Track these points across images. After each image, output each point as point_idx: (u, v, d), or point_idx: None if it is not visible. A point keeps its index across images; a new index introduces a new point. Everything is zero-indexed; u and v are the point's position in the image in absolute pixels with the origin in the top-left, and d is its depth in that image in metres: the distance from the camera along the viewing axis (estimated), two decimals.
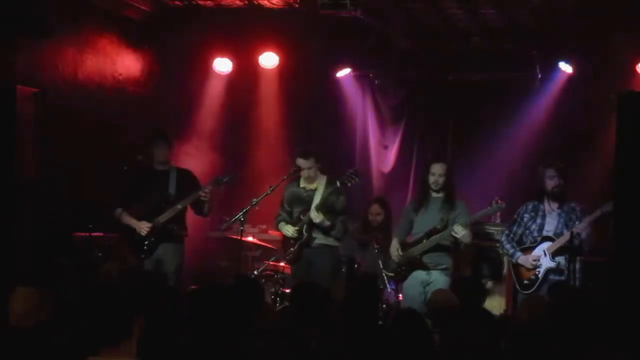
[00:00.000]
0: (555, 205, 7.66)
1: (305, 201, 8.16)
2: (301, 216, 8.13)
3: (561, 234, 7.49)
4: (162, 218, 8.05)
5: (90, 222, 8.31)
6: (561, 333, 4.71)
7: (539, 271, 7.52)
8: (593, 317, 4.90)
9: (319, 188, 8.10)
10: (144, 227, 8.02)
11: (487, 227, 8.63)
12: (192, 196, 8.08)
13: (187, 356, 4.51)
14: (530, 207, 7.80)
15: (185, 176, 8.31)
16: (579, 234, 7.33)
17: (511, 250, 7.73)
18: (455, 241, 7.76)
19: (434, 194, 7.91)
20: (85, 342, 3.10)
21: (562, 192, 7.64)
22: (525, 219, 7.76)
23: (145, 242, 8.04)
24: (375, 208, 9.25)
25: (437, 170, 7.87)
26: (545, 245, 7.56)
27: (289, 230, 8.14)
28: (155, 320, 4.55)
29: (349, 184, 7.95)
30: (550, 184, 7.64)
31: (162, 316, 4.80)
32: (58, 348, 4.30)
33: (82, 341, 3.14)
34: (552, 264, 7.46)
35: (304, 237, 8.08)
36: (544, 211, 7.70)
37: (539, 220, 7.69)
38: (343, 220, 8.21)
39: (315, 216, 7.97)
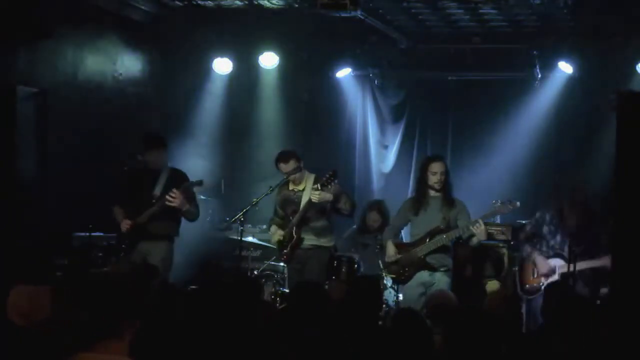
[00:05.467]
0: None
1: (295, 202, 8.14)
2: (290, 217, 8.11)
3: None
4: (142, 218, 8.03)
5: (90, 222, 8.31)
6: (558, 332, 4.71)
7: (542, 284, 7.49)
8: (588, 316, 4.89)
9: (307, 187, 8.07)
10: (124, 225, 8.03)
11: (487, 227, 8.58)
12: (163, 200, 8.01)
13: (186, 356, 4.51)
14: (547, 218, 7.69)
15: (176, 178, 8.18)
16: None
17: (529, 249, 7.69)
18: (461, 237, 7.70)
19: (433, 193, 7.76)
20: (77, 339, 3.11)
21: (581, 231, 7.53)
22: (544, 231, 7.67)
23: (125, 240, 8.04)
24: (374, 215, 9.30)
25: (438, 169, 7.71)
26: (559, 262, 7.52)
27: (275, 236, 8.17)
28: (153, 319, 4.56)
29: (329, 186, 7.87)
30: (572, 226, 7.54)
31: (160, 315, 4.80)
32: (50, 344, 4.30)
33: (74, 337, 3.15)
34: None
35: (294, 239, 8.06)
36: (563, 227, 7.62)
37: (559, 238, 7.63)
38: (347, 194, 8.16)
39: (315, 195, 7.87)
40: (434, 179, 7.71)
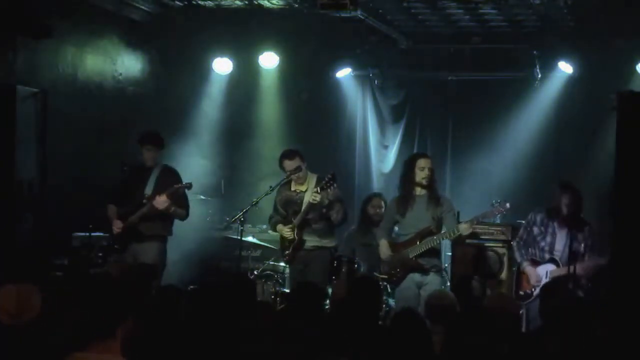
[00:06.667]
0: (565, 224, 7.55)
1: (296, 203, 8.13)
2: (292, 218, 8.10)
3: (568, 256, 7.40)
4: (133, 219, 8.03)
5: (90, 222, 8.31)
6: (557, 332, 4.71)
7: (535, 288, 7.50)
8: (586, 316, 4.89)
9: (309, 187, 8.06)
10: (115, 226, 8.04)
11: (487, 227, 8.59)
12: (149, 204, 8.01)
13: (185, 355, 4.51)
14: (538, 220, 7.66)
15: (166, 175, 8.18)
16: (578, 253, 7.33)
17: (519, 259, 7.71)
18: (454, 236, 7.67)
19: (419, 191, 7.65)
20: (72, 338, 3.12)
21: (575, 216, 7.46)
22: (535, 232, 7.65)
23: (117, 241, 8.04)
24: (377, 201, 9.20)
25: (426, 165, 7.61)
26: (550, 267, 7.50)
27: (286, 231, 8.12)
28: (146, 318, 4.55)
29: (328, 190, 7.84)
30: (565, 209, 7.46)
31: (154, 315, 4.80)
32: (45, 344, 4.30)
33: (69, 337, 3.16)
34: None
35: (295, 240, 8.06)
36: (554, 228, 7.57)
37: (548, 239, 7.58)
38: (342, 204, 8.12)
39: (314, 197, 7.85)
40: (421, 175, 7.60)
